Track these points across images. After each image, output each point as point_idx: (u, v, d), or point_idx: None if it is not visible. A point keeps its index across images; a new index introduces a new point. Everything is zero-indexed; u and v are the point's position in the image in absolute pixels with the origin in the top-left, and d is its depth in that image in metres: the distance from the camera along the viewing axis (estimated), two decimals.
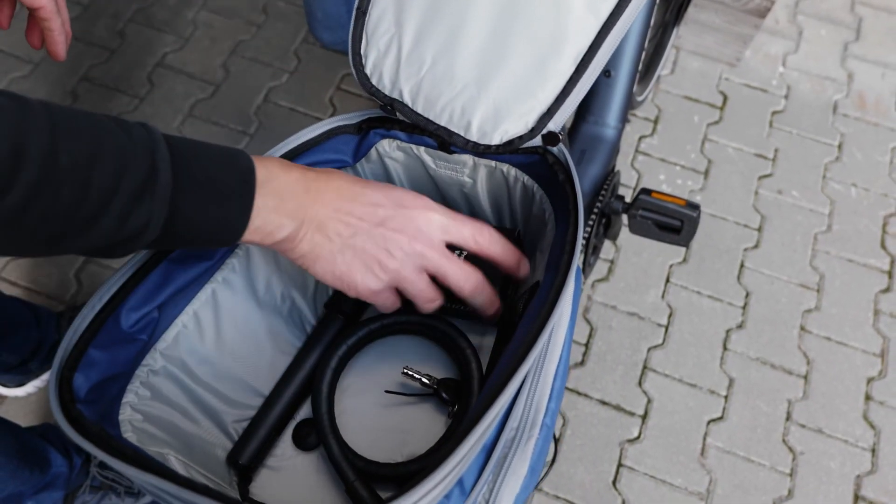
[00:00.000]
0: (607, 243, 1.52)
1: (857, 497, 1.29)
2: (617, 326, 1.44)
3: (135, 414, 0.50)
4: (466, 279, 0.51)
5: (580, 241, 0.46)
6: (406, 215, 0.49)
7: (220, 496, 0.36)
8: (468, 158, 0.59)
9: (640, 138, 1.65)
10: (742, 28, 1.64)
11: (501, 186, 0.60)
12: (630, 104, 1.49)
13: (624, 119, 1.17)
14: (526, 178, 0.57)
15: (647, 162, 1.62)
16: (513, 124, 0.52)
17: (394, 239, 0.49)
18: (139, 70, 1.70)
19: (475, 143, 0.54)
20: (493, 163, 0.59)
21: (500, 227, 0.67)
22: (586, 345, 1.42)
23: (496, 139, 0.53)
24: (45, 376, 1.31)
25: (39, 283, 1.44)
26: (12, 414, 1.31)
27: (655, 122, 1.67)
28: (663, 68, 1.72)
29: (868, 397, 1.38)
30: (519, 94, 0.51)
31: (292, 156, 0.58)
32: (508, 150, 0.53)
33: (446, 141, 0.55)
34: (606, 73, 1.15)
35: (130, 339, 0.49)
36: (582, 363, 1.40)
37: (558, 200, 0.53)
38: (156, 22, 1.78)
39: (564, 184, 0.50)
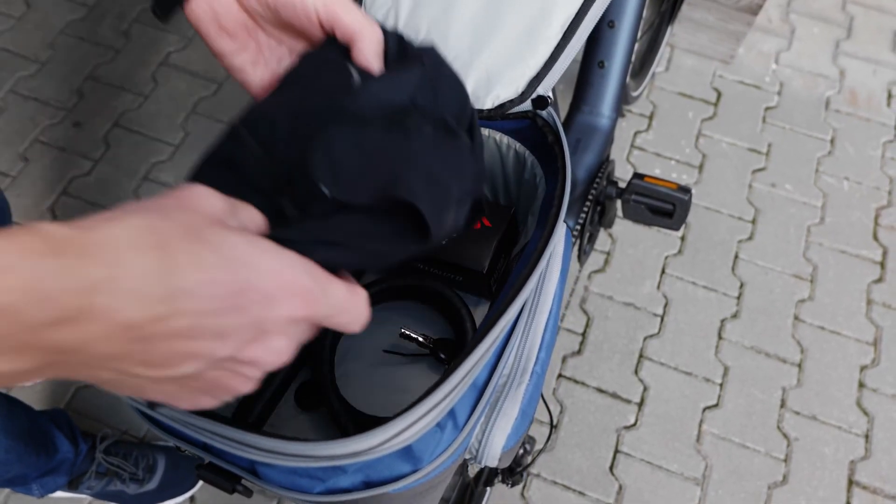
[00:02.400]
0: (604, 236, 1.54)
1: (850, 482, 1.31)
2: (613, 316, 1.46)
3: None
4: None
5: (567, 197, 0.49)
6: (265, 343, 0.30)
7: (226, 420, 0.39)
8: None
9: (636, 133, 1.68)
10: (735, 25, 1.68)
11: (495, 155, 0.63)
12: (623, 95, 1.52)
13: (617, 109, 1.20)
14: (518, 145, 0.60)
15: (643, 156, 1.65)
16: (504, 89, 0.55)
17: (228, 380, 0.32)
18: (144, 69, 1.74)
19: None
20: (486, 132, 0.61)
21: (495, 205, 0.70)
22: (583, 334, 1.44)
23: (488, 104, 0.56)
24: None
25: None
26: None
27: (650, 117, 1.70)
28: (658, 65, 1.75)
29: (861, 385, 1.40)
30: (510, 60, 0.54)
31: None
32: (500, 114, 0.56)
33: None
34: (600, 63, 1.18)
35: None
36: (579, 352, 1.42)
37: (548, 163, 0.55)
38: (160, 22, 1.81)
39: (553, 145, 0.53)
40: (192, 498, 1.26)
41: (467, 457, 0.53)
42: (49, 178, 1.58)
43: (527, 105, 0.55)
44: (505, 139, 0.61)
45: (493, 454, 0.49)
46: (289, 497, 0.44)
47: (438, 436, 0.43)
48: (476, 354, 0.40)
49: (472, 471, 0.97)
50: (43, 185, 1.57)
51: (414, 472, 0.42)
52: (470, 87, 0.56)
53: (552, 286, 0.54)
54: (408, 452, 0.42)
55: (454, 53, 0.55)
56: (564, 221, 1.12)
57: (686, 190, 1.04)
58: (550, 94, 0.55)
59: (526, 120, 0.56)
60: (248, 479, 0.44)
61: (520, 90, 0.54)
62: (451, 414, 0.44)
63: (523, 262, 0.46)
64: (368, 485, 0.43)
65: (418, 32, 0.56)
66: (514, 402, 0.49)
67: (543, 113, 0.55)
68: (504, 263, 0.66)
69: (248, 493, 0.46)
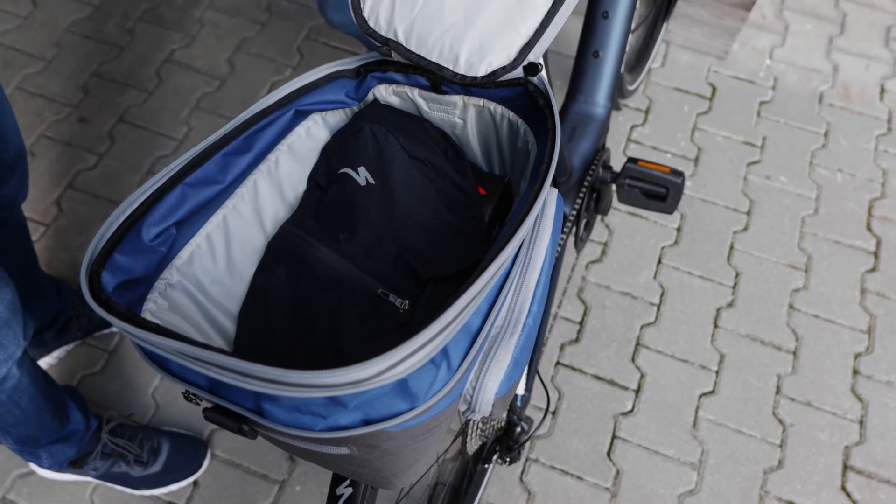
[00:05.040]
0: (601, 227, 1.56)
1: (845, 467, 1.33)
2: (611, 305, 1.48)
3: (153, 319, 0.54)
4: None
5: (556, 155, 0.51)
6: None
7: (235, 353, 0.41)
8: (458, 99, 0.64)
9: (632, 127, 1.70)
10: (729, 21, 1.70)
11: (489, 125, 0.65)
12: (620, 89, 1.55)
13: (612, 98, 1.22)
14: (511, 114, 0.62)
15: (639, 150, 1.67)
16: (497, 56, 0.57)
17: None
18: (148, 66, 1.77)
19: (463, 75, 0.59)
20: (480, 102, 0.64)
21: (490, 175, 0.72)
22: (581, 323, 1.46)
23: (482, 71, 0.58)
24: (57, 353, 1.35)
25: (52, 266, 1.49)
26: None
27: (647, 111, 1.73)
28: (654, 61, 1.78)
29: (856, 372, 1.42)
30: (502, 29, 0.57)
31: (294, 96, 0.63)
32: (493, 81, 0.58)
33: (437, 76, 0.60)
34: (595, 53, 1.21)
35: (151, 251, 0.54)
36: (577, 340, 1.44)
37: (539, 128, 0.58)
38: (164, 20, 1.84)
39: (544, 108, 0.55)
40: (195, 482, 1.28)
41: (462, 408, 0.55)
42: (55, 172, 1.61)
43: (518, 72, 0.58)
44: (499, 109, 0.63)
45: (487, 399, 0.51)
46: (292, 434, 0.46)
47: (434, 374, 0.45)
48: (470, 293, 0.42)
49: (470, 448, 0.99)
50: (49, 178, 1.60)
51: (411, 409, 0.45)
52: (464, 56, 0.58)
53: (543, 245, 0.56)
54: (405, 390, 0.44)
55: (449, 23, 0.58)
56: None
57: (679, 173, 1.07)
58: (541, 61, 0.57)
59: (518, 87, 0.59)
60: (254, 419, 0.46)
61: (511, 57, 0.57)
62: (446, 355, 0.46)
63: (514, 215, 0.48)
64: (367, 422, 0.45)
65: (415, 4, 0.58)
66: (507, 351, 0.51)
67: (534, 79, 0.57)
68: (499, 230, 0.68)
69: (252, 434, 0.48)
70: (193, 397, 0.50)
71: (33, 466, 1.20)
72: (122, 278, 0.50)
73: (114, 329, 1.39)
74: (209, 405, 0.48)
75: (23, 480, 1.26)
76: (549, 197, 0.59)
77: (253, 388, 0.41)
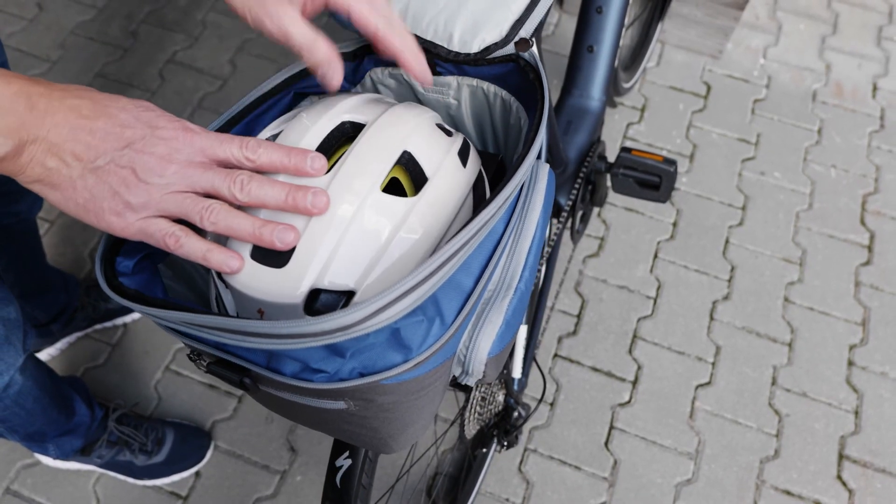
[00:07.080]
0: (597, 222, 1.58)
1: (841, 456, 1.34)
2: (608, 299, 1.50)
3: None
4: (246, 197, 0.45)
5: (545, 120, 0.53)
6: (158, 135, 0.44)
7: (246, 319, 0.43)
8: (452, 80, 0.67)
9: (628, 125, 1.73)
10: (722, 21, 1.73)
11: (483, 105, 0.67)
12: (616, 87, 1.57)
13: (606, 92, 1.25)
14: (504, 92, 0.64)
15: (635, 147, 1.69)
16: (489, 33, 0.59)
17: (142, 160, 0.43)
18: (151, 66, 1.79)
19: (457, 52, 0.61)
20: (474, 81, 0.66)
21: (484, 153, 0.74)
22: (578, 316, 1.48)
23: (475, 48, 0.60)
24: (59, 345, 1.37)
25: (55, 261, 1.51)
26: None
27: (642, 110, 1.75)
28: (649, 60, 1.80)
29: (850, 363, 1.43)
30: (494, 6, 0.59)
31: (293, 80, 0.65)
32: (486, 58, 0.60)
33: (432, 54, 0.62)
34: (589, 48, 1.23)
35: None
36: (574, 333, 1.46)
37: (531, 103, 0.60)
38: (167, 22, 1.87)
39: (534, 81, 0.57)
40: (197, 473, 1.29)
41: (457, 371, 0.56)
42: None
43: (510, 48, 0.60)
44: (492, 88, 0.65)
45: (480, 359, 0.53)
46: (292, 386, 0.47)
47: (427, 328, 0.47)
48: (456, 243, 0.44)
49: (469, 432, 1.01)
50: None
51: (405, 361, 0.46)
52: (458, 34, 0.60)
53: (535, 215, 0.58)
54: (398, 341, 0.46)
55: (443, 2, 0.60)
56: (557, 200, 1.15)
57: (671, 162, 1.09)
58: (532, 39, 0.60)
59: (510, 63, 0.61)
60: (256, 370, 0.48)
61: (503, 33, 0.59)
62: (439, 311, 0.48)
63: (505, 182, 0.50)
64: (363, 374, 0.46)
65: None
66: (499, 313, 0.53)
67: (525, 55, 0.60)
68: None
69: (254, 387, 0.49)
70: (196, 358, 0.52)
71: (39, 456, 1.21)
72: (136, 256, 0.52)
73: (116, 321, 1.41)
74: (213, 360, 0.49)
75: (27, 471, 1.28)
76: (541, 171, 0.61)
77: (251, 346, 0.43)
